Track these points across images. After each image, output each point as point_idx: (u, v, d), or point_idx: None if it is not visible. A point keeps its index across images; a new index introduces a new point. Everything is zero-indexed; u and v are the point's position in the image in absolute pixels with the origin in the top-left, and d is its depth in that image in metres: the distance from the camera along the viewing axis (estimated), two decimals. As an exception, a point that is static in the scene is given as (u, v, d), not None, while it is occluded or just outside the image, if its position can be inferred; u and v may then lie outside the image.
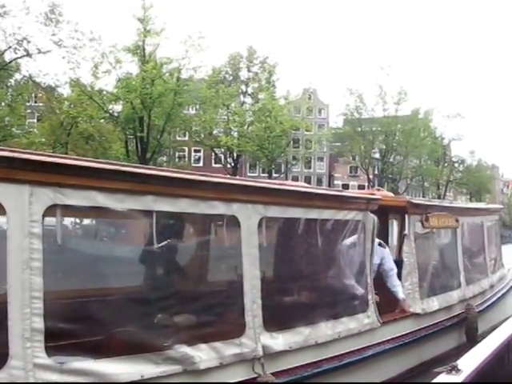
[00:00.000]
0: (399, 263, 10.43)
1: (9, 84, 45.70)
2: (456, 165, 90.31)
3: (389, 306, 9.88)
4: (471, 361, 4.82)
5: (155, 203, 5.98)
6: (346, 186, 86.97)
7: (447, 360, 10.17)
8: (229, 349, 6.50)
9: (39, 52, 39.57)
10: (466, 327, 11.63)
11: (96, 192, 5.49)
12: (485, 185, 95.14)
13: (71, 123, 47.95)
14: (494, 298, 13.99)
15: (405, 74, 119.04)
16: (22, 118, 50.24)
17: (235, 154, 62.73)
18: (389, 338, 9.21)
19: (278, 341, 7.09)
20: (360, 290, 8.90)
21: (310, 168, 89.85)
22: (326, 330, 7.92)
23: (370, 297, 8.93)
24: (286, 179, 74.11)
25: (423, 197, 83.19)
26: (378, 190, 12.07)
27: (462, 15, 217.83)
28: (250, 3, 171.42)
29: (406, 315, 9.97)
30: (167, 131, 52.43)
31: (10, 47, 38.80)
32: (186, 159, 73.83)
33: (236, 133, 59.80)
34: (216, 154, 66.21)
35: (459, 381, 4.39)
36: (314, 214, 8.08)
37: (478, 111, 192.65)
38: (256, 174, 74.44)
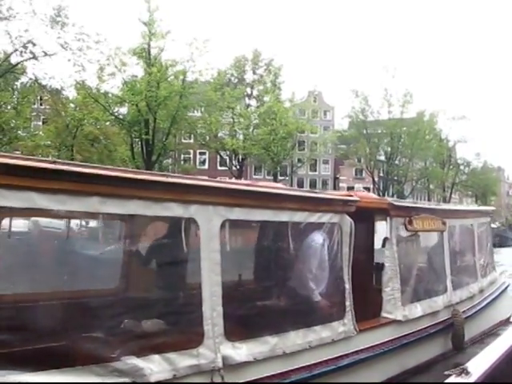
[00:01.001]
0: (380, 267, 10.16)
1: (15, 87, 45.79)
2: (461, 167, 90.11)
3: (372, 312, 9.68)
4: (481, 363, 4.78)
5: (102, 205, 5.63)
6: (351, 189, 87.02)
7: (432, 368, 10.23)
8: (184, 360, 6.15)
9: (45, 55, 39.61)
10: (452, 334, 11.28)
11: (34, 193, 5.13)
12: (490, 187, 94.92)
13: (77, 126, 48.04)
14: (484, 303, 13.56)
15: (410, 77, 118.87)
16: (27, 120, 50.38)
17: (240, 157, 62.80)
18: (366, 346, 8.81)
19: (241, 351, 6.74)
20: (336, 297, 8.58)
21: (315, 170, 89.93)
22: (295, 339, 7.56)
23: (347, 303, 8.56)
24: (292, 182, 74.48)
25: (429, 200, 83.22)
26: (361, 191, 11.95)
27: (467, 17, 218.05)
28: (256, 6, 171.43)
29: (386, 322, 9.63)
30: (172, 134, 52.48)
31: (16, 50, 38.88)
32: (192, 162, 74.02)
33: (241, 135, 59.96)
34: (221, 156, 66.27)
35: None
36: (284, 216, 7.75)
37: (484, 113, 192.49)
38: (261, 177, 74.41)
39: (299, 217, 7.93)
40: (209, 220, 6.57)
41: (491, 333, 13.47)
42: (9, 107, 46.29)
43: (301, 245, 8.51)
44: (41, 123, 57.30)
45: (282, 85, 66.04)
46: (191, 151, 73.04)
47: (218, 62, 77.61)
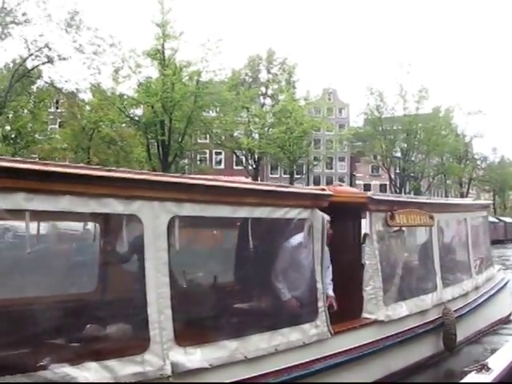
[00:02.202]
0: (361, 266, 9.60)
1: (31, 91, 46.15)
2: (478, 162, 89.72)
3: (359, 313, 9.19)
4: (502, 359, 4.77)
5: (28, 202, 5.11)
6: (367, 186, 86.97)
7: (422, 369, 9.95)
8: (127, 367, 5.60)
9: (60, 58, 39.97)
10: (444, 333, 10.73)
11: None
12: (508, 182, 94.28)
13: (93, 128, 48.33)
14: (480, 301, 12.92)
15: (425, 72, 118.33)
16: (44, 124, 50.84)
17: (256, 156, 62.86)
18: (342, 349, 8.19)
19: (194, 357, 6.18)
20: (306, 298, 8.06)
21: (331, 168, 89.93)
22: (259, 342, 6.99)
23: (319, 304, 7.96)
24: (308, 180, 74.39)
25: (446, 195, 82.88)
26: (340, 185, 11.44)
27: (484, 10, 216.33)
28: (269, 4, 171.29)
29: (367, 323, 9.02)
30: (188, 134, 52.53)
31: (31, 54, 39.20)
32: (208, 162, 74.18)
33: (257, 135, 60.06)
34: (237, 156, 66.35)
35: (490, 380, 4.32)
36: (243, 212, 7.19)
37: (500, 107, 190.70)
38: (278, 176, 74.49)
39: (261, 212, 7.33)
40: (154, 217, 6.04)
41: (488, 331, 13.22)
42: (25, 111, 46.73)
43: (264, 242, 7.94)
44: (57, 126, 57.73)
45: (297, 83, 66.25)
46: (207, 151, 73.24)
47: (232, 62, 77.79)
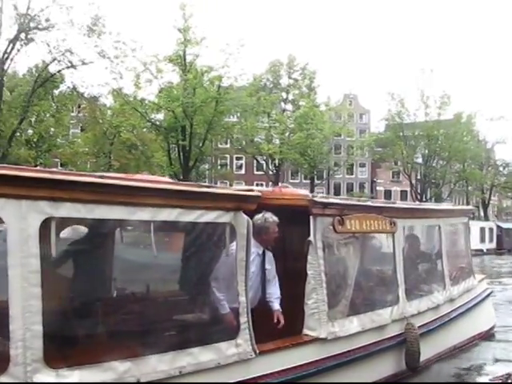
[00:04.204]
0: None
1: (53, 95, 46.54)
2: (500, 168, 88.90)
3: (294, 329, 8.14)
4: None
5: None
6: (388, 192, 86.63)
7: None
8: None
9: (83, 63, 40.23)
10: (406, 351, 9.64)
11: None
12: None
13: (114, 133, 48.60)
14: (454, 314, 11.81)
15: (447, 78, 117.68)
16: (66, 128, 51.21)
17: (277, 162, 62.98)
18: (270, 371, 7.15)
19: (68, 380, 5.25)
20: (225, 312, 7.11)
21: (352, 174, 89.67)
22: (157, 364, 5.98)
23: (242, 320, 6.94)
24: (328, 186, 74.32)
25: (467, 202, 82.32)
26: (286, 187, 9.71)
27: (504, 16, 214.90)
28: (289, 10, 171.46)
29: (305, 341, 7.99)
30: (209, 139, 52.69)
31: (54, 59, 39.52)
32: (228, 167, 74.30)
33: (277, 140, 60.18)
34: (258, 161, 66.45)
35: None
36: (143, 214, 6.10)
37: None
38: (298, 181, 74.38)
39: (167, 215, 6.32)
40: (20, 218, 5.15)
41: (464, 348, 12.18)
42: (48, 115, 47.13)
43: (171, 249, 7.48)
44: (79, 130, 58.18)
45: (318, 89, 66.40)
46: (228, 156, 73.51)
47: (253, 67, 78.08)
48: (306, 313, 8.11)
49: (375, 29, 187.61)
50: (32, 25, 37.78)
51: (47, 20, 38.05)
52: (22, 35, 37.51)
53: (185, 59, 47.89)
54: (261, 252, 7.92)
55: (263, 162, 65.65)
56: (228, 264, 7.06)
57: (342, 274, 9.03)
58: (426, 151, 74.45)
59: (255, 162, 69.02)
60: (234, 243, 6.99)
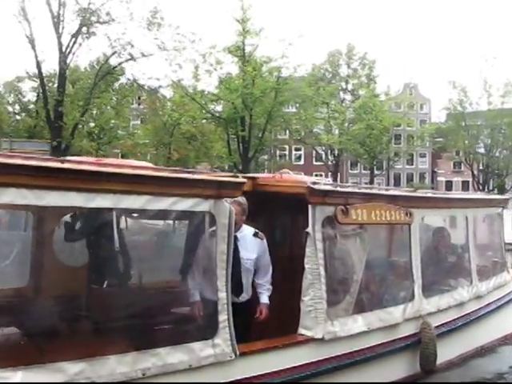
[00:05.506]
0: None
1: (114, 88, 47.16)
2: None
3: (289, 327, 7.54)
4: None
5: None
6: (449, 183, 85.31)
7: None
8: None
9: (142, 56, 40.46)
10: (420, 352, 8.92)
11: None
12: None
13: (174, 124, 48.90)
14: (481, 313, 10.91)
15: (511, 65, 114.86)
16: (126, 120, 51.86)
17: (336, 152, 62.74)
18: (254, 374, 6.54)
19: (13, 380, 4.82)
20: (201, 309, 6.60)
21: (412, 164, 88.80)
22: (117, 365, 5.44)
23: (221, 318, 6.33)
24: (388, 176, 73.61)
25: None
26: (288, 173, 9.05)
27: None
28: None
29: (298, 341, 7.34)
30: (268, 130, 52.60)
31: (115, 52, 39.93)
32: (287, 157, 74.27)
33: (337, 130, 59.98)
34: (317, 151, 66.35)
35: None
36: (104, 201, 5.52)
37: None
38: (357, 171, 74.10)
39: (132, 202, 5.73)
40: None
41: (493, 348, 11.25)
42: (109, 108, 47.84)
43: (139, 239, 6.95)
44: (139, 122, 58.88)
45: (377, 78, 65.96)
46: (287, 147, 73.48)
47: (312, 57, 77.78)
48: (302, 310, 7.47)
49: (435, 16, 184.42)
50: (93, 19, 38.20)
51: (108, 14, 38.42)
52: (84, 29, 37.93)
53: (244, 50, 47.87)
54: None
55: (322, 153, 65.55)
56: (202, 257, 6.64)
57: (346, 268, 8.34)
58: (489, 141, 72.82)
59: (314, 152, 68.98)
60: (210, 233, 6.50)
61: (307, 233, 7.46)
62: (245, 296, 7.34)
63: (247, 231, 7.42)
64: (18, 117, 59.34)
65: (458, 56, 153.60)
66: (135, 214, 6.51)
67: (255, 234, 7.48)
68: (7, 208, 5.79)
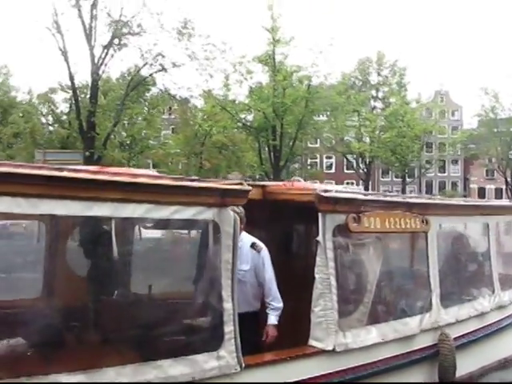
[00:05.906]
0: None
1: (145, 98, 47.55)
2: None
3: (300, 339, 7.29)
4: None
5: None
6: (482, 190, 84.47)
7: None
8: None
9: (173, 66, 40.70)
10: (439, 365, 8.59)
11: None
12: None
13: (205, 134, 49.12)
14: (504, 323, 10.56)
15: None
16: (158, 130, 52.27)
17: (367, 160, 62.56)
18: None
19: None
20: (205, 320, 6.43)
21: (444, 172, 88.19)
22: (115, 377, 5.32)
23: (226, 329, 6.13)
24: (420, 184, 73.16)
25: None
26: (299, 181, 8.95)
27: None
28: (377, 7, 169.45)
29: (307, 353, 7.10)
30: (299, 139, 52.60)
31: (146, 63, 40.24)
32: (318, 166, 74.25)
33: (368, 138, 59.83)
34: (348, 160, 66.26)
35: None
36: (103, 209, 5.38)
37: None
38: (389, 179, 73.81)
39: (131, 211, 5.61)
40: None
41: None
42: (140, 118, 48.23)
43: (138, 248, 6.86)
44: (170, 132, 59.28)
45: (408, 85, 65.56)
46: (318, 155, 73.44)
47: (342, 65, 77.61)
48: (313, 321, 7.22)
49: (467, 22, 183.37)
50: (125, 30, 38.55)
51: (139, 25, 38.73)
52: (116, 41, 38.28)
53: (274, 59, 47.91)
54: None
55: (353, 161, 65.44)
56: (206, 266, 6.48)
57: (359, 278, 8.12)
58: (523, 147, 72.23)
59: (345, 160, 68.90)
60: (214, 242, 6.30)
61: (317, 241, 7.24)
62: (242, 307, 6.75)
63: (246, 240, 7.17)
64: (51, 128, 59.94)
65: (489, 62, 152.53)
66: (136, 223, 6.42)
67: (252, 245, 7.24)
68: (3, 218, 5.72)
